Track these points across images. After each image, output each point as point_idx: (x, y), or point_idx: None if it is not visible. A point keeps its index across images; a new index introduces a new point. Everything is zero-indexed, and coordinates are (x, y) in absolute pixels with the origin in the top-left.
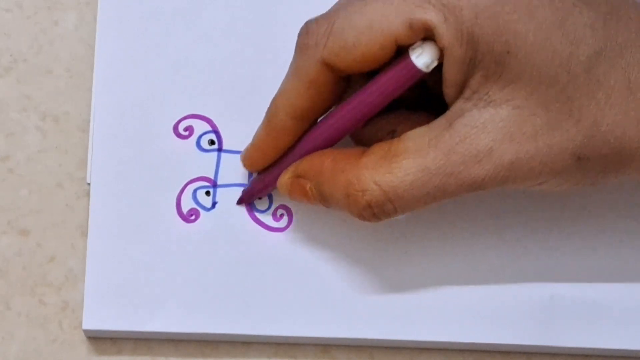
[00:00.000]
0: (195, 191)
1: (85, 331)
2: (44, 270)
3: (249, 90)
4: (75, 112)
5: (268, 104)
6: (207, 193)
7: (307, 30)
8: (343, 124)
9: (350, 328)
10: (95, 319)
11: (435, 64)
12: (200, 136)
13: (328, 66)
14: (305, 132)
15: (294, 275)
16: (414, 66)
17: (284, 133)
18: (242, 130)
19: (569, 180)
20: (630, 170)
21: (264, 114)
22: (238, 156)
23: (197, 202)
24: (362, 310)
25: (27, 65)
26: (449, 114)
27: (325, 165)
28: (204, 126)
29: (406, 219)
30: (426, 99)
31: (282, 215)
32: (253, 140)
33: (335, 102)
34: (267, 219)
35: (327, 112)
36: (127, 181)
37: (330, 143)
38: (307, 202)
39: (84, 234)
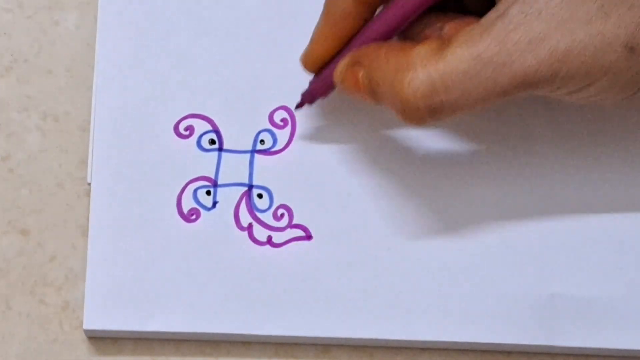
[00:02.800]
0: (195, 191)
1: (86, 331)
2: (45, 270)
3: (249, 90)
4: (76, 111)
5: (268, 104)
6: (208, 193)
7: None
8: (400, 14)
9: (350, 328)
10: (96, 319)
11: None
12: (201, 136)
13: None
14: (363, 23)
15: (294, 275)
16: None
17: (344, 19)
18: (242, 130)
19: (617, 81)
20: None
21: (264, 113)
22: (239, 155)
23: (198, 202)
24: (362, 310)
25: (28, 65)
26: (500, 4)
27: (380, 52)
28: (204, 126)
29: (405, 217)
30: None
31: (282, 215)
32: (313, 35)
33: None
34: (267, 218)
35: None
36: (128, 181)
37: (387, 35)
38: (357, 95)
39: (85, 233)
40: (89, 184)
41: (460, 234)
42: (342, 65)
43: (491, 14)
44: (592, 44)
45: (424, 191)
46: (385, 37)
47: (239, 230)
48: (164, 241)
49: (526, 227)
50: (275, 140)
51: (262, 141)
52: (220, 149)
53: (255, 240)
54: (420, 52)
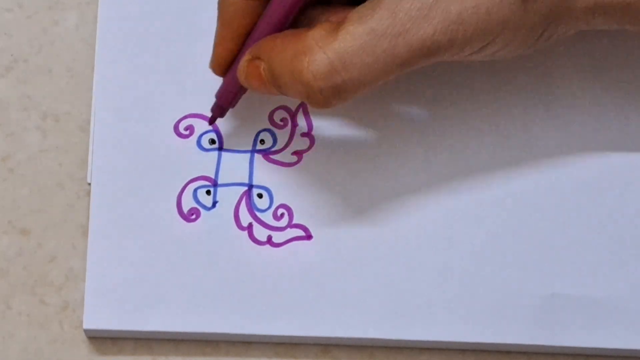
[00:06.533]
0: (195, 190)
1: (86, 331)
2: (45, 270)
3: (249, 90)
4: (76, 111)
5: (268, 104)
6: (208, 192)
7: None
8: (282, 6)
9: (350, 328)
10: (96, 319)
11: None
12: (201, 135)
13: None
14: (257, 18)
15: (294, 275)
16: None
17: (237, 17)
18: (242, 129)
19: (515, 35)
20: (574, 19)
21: (263, 113)
22: (239, 155)
23: (198, 202)
24: (362, 310)
25: (28, 65)
26: None
27: (276, 42)
28: (204, 125)
29: (405, 217)
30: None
31: (282, 215)
32: (214, 39)
33: None
34: (267, 218)
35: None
36: (128, 181)
37: (280, 27)
38: (261, 89)
39: (85, 233)
40: (89, 184)
41: (460, 233)
42: (243, 61)
43: None
44: (484, 3)
45: (424, 191)
46: (279, 29)
47: (239, 230)
48: (164, 241)
49: (526, 227)
50: (275, 140)
51: (262, 141)
52: (220, 149)
53: (255, 240)
54: (315, 34)
